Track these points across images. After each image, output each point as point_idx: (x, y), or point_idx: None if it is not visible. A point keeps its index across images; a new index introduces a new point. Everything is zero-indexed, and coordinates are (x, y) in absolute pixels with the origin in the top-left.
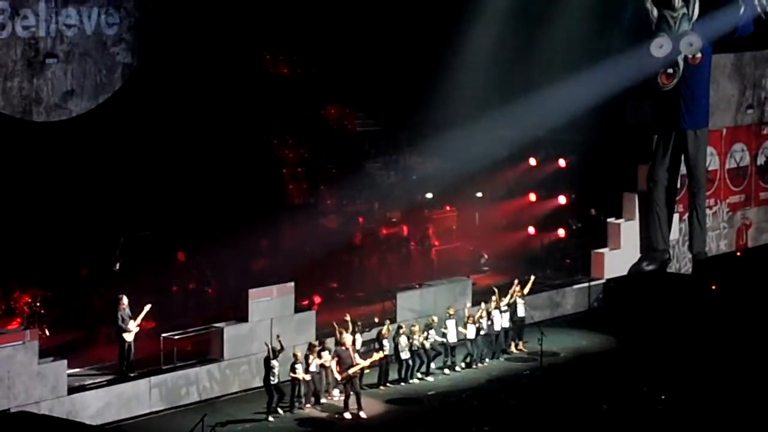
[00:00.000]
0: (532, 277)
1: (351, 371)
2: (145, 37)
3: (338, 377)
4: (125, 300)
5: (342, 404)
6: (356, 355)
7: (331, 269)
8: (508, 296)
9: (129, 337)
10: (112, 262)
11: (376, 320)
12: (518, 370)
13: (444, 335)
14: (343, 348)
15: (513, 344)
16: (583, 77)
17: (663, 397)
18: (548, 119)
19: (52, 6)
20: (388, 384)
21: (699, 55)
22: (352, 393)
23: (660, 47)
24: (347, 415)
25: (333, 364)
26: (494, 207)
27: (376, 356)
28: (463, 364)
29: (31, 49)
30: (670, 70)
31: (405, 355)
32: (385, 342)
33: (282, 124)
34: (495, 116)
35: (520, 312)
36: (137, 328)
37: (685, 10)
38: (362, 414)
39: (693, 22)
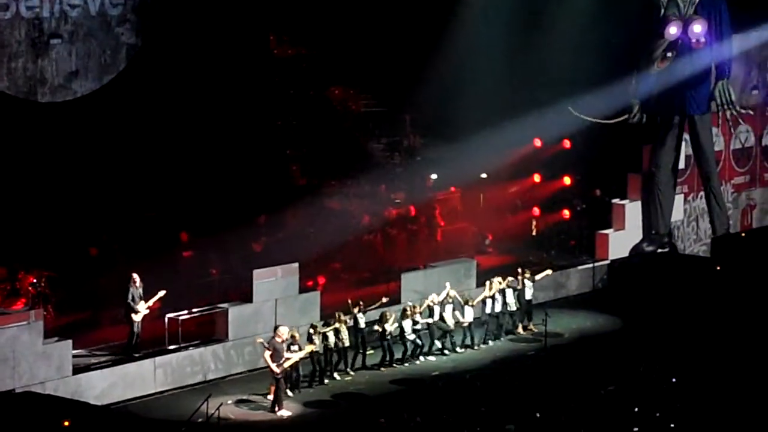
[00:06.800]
0: (548, 271)
1: (286, 365)
2: (150, 18)
3: (276, 370)
4: (137, 278)
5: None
6: (286, 348)
7: (335, 250)
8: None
9: (137, 317)
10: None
11: (384, 300)
12: (522, 351)
13: (442, 318)
14: (278, 340)
15: (520, 326)
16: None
17: (674, 380)
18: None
19: None
20: (393, 365)
21: (702, 39)
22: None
23: (673, 31)
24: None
25: (267, 357)
26: (499, 188)
27: (307, 349)
28: (460, 349)
29: (35, 30)
30: (669, 54)
31: (410, 337)
32: (386, 326)
33: (286, 105)
34: (501, 101)
35: (527, 295)
36: (147, 311)
37: None
38: (283, 413)
39: (696, 5)
